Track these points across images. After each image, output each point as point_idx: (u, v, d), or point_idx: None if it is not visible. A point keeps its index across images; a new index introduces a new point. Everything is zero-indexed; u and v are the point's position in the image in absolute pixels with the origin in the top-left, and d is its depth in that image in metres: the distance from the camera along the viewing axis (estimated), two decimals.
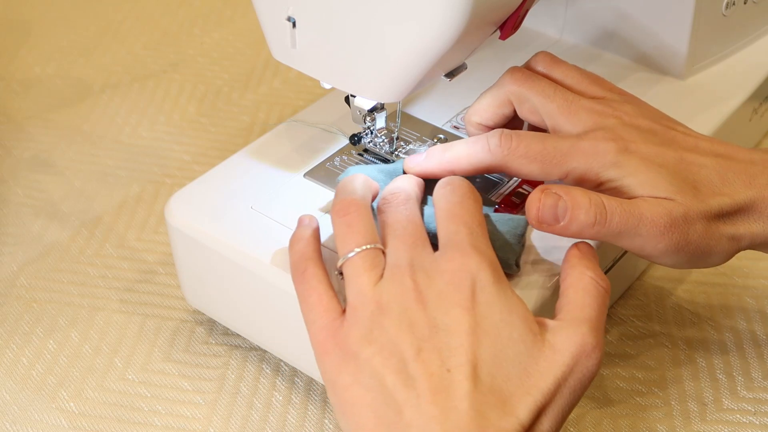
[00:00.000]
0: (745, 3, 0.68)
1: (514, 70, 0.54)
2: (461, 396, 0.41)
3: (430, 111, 0.63)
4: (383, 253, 0.47)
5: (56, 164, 0.75)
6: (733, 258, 0.66)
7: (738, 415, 0.56)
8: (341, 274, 0.47)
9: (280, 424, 0.56)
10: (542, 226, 0.49)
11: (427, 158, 0.53)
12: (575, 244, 0.49)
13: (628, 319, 0.62)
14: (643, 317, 0.62)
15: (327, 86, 0.54)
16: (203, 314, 0.62)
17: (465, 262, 0.45)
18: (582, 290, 0.46)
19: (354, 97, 0.56)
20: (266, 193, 0.57)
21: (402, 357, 0.43)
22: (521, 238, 0.51)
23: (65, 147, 0.76)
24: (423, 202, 0.52)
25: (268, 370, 0.59)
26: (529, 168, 0.51)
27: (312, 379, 0.58)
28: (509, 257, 0.50)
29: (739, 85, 0.68)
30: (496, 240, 0.50)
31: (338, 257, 0.47)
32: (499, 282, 0.45)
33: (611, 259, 0.57)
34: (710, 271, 0.65)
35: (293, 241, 0.50)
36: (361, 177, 0.51)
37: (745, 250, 0.52)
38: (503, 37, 0.51)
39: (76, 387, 0.58)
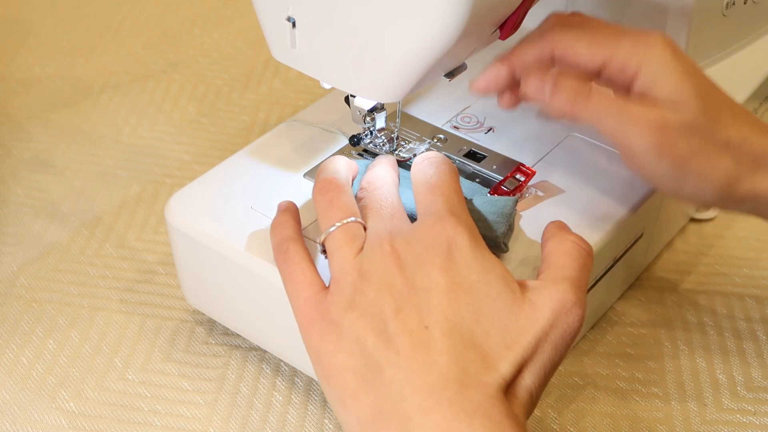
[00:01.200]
0: (745, 3, 0.68)
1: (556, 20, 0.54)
2: (440, 351, 0.42)
3: (430, 111, 0.64)
4: (364, 228, 0.48)
5: (56, 164, 0.75)
6: (735, 258, 0.67)
7: (738, 415, 0.56)
8: (324, 251, 0.48)
9: (280, 424, 0.56)
10: (528, 96, 0.50)
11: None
12: (552, 221, 0.50)
13: (629, 319, 0.62)
14: (643, 317, 0.62)
15: (327, 86, 0.54)
16: (203, 314, 0.62)
17: (442, 226, 0.45)
18: (563, 253, 0.47)
19: (354, 97, 0.56)
20: (266, 193, 0.57)
21: (382, 318, 0.43)
22: (508, 217, 0.52)
23: (65, 147, 0.76)
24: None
25: (268, 370, 0.59)
26: (577, 45, 0.51)
27: (312, 379, 0.58)
28: (496, 236, 0.51)
29: (739, 85, 0.68)
30: (483, 220, 0.51)
31: (321, 234, 0.48)
32: (477, 245, 0.45)
33: (611, 258, 0.57)
34: (711, 271, 0.65)
35: (274, 225, 0.51)
36: (342, 158, 0.52)
37: (743, 203, 0.51)
38: (503, 37, 0.51)
39: (76, 387, 0.58)
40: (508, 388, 0.42)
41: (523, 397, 0.42)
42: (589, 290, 0.56)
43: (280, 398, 0.57)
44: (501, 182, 0.57)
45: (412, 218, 0.49)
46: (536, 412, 0.56)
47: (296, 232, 0.50)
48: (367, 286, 0.44)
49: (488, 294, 0.44)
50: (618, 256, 0.58)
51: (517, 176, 0.57)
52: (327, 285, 0.47)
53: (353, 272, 0.45)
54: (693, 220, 0.69)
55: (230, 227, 0.55)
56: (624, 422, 0.56)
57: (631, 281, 0.64)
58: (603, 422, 0.56)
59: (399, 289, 0.44)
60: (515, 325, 0.43)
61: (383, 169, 0.52)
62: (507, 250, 0.52)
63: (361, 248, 0.47)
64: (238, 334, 0.60)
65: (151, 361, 0.59)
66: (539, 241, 0.51)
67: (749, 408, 0.57)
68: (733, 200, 0.51)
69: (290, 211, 0.51)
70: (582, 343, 0.60)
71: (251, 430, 0.55)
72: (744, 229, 0.69)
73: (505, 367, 0.42)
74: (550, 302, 0.44)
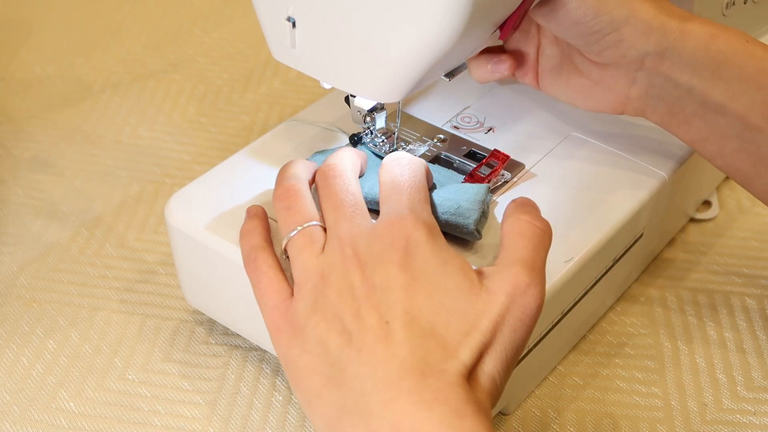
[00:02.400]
0: (745, 3, 0.68)
1: None
2: (400, 342, 0.42)
3: (430, 111, 0.64)
4: (324, 229, 0.48)
5: (56, 164, 0.75)
6: (735, 258, 0.66)
7: (738, 415, 0.56)
8: (288, 257, 0.49)
9: (280, 424, 0.56)
10: None
11: None
12: (513, 199, 0.50)
13: (629, 319, 0.62)
14: (643, 317, 0.62)
15: (327, 86, 0.54)
16: (203, 314, 0.62)
17: (400, 224, 0.46)
18: (517, 234, 0.47)
19: (354, 97, 0.56)
20: (266, 193, 0.57)
21: (343, 318, 0.44)
22: (481, 204, 0.52)
23: (65, 147, 0.76)
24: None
25: (268, 370, 0.59)
26: None
27: None
28: (468, 223, 0.51)
29: None
30: (456, 207, 0.52)
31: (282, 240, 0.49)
32: (434, 239, 0.46)
33: (612, 258, 0.57)
34: (711, 271, 0.65)
35: (243, 233, 0.51)
36: (300, 161, 0.53)
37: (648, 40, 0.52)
38: (503, 37, 0.51)
39: (76, 387, 0.58)
40: (471, 375, 0.42)
41: (486, 383, 0.43)
42: (589, 290, 0.56)
43: (280, 398, 0.57)
44: (476, 168, 0.57)
45: (374, 204, 0.50)
46: (536, 411, 0.56)
47: (265, 239, 0.50)
48: (329, 290, 0.45)
49: (446, 285, 0.44)
50: (618, 256, 0.58)
51: (492, 162, 0.57)
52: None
53: (314, 276, 0.46)
54: (693, 220, 0.69)
55: (230, 227, 0.55)
56: (624, 422, 0.56)
57: (631, 281, 0.64)
58: (603, 422, 0.56)
59: (359, 288, 0.44)
60: (472, 311, 0.44)
61: (345, 154, 0.53)
62: (480, 237, 0.52)
63: (322, 250, 0.47)
64: (238, 334, 0.60)
65: (151, 361, 0.59)
66: None
67: (749, 408, 0.57)
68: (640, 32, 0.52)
69: (258, 217, 0.52)
70: (582, 343, 0.60)
71: (251, 430, 0.55)
72: (744, 229, 0.69)
73: (465, 354, 0.42)
74: (503, 286, 0.44)
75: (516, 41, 0.58)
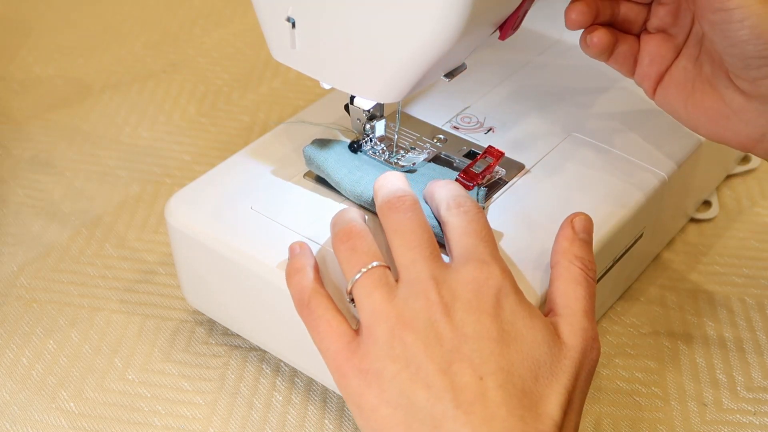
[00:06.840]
0: None
1: None
2: (498, 403, 0.42)
3: (430, 111, 0.64)
4: (388, 269, 0.47)
5: (56, 164, 0.75)
6: (735, 258, 0.66)
7: (738, 415, 0.56)
8: (352, 300, 0.47)
9: (280, 424, 0.56)
10: None
11: None
12: (570, 219, 0.50)
13: (629, 319, 0.62)
14: (643, 317, 0.62)
15: (327, 86, 0.54)
16: (203, 314, 0.62)
17: (489, 271, 0.45)
18: (573, 282, 0.47)
19: (353, 104, 0.56)
20: (266, 193, 0.57)
21: (430, 371, 0.43)
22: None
23: (65, 147, 0.76)
24: None
25: (268, 370, 0.59)
26: None
27: (312, 379, 0.58)
28: None
29: None
30: None
31: (346, 283, 0.47)
32: (519, 291, 0.46)
33: (612, 258, 0.57)
34: (711, 271, 0.65)
35: (290, 272, 0.49)
36: (353, 208, 0.51)
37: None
38: (503, 37, 0.51)
39: (76, 387, 0.58)
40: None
41: None
42: None
43: (280, 398, 0.57)
44: (470, 165, 0.57)
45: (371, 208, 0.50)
46: None
47: (314, 279, 0.48)
48: (410, 336, 0.43)
49: (534, 339, 0.44)
50: (618, 256, 0.58)
51: (486, 158, 0.57)
52: (356, 330, 0.46)
53: (389, 319, 0.44)
54: (693, 220, 0.69)
55: (230, 227, 0.55)
56: (624, 422, 0.56)
57: (631, 281, 0.64)
58: (603, 422, 0.56)
59: (449, 339, 0.43)
60: (558, 366, 0.44)
61: (403, 183, 0.50)
62: None
63: (393, 292, 0.45)
64: (238, 334, 0.60)
65: (151, 361, 0.59)
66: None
67: (749, 408, 0.57)
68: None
69: (304, 255, 0.50)
70: None
71: (251, 430, 0.55)
72: (744, 229, 0.69)
73: (555, 411, 0.43)
74: (578, 341, 0.45)
75: (655, 44, 0.52)
